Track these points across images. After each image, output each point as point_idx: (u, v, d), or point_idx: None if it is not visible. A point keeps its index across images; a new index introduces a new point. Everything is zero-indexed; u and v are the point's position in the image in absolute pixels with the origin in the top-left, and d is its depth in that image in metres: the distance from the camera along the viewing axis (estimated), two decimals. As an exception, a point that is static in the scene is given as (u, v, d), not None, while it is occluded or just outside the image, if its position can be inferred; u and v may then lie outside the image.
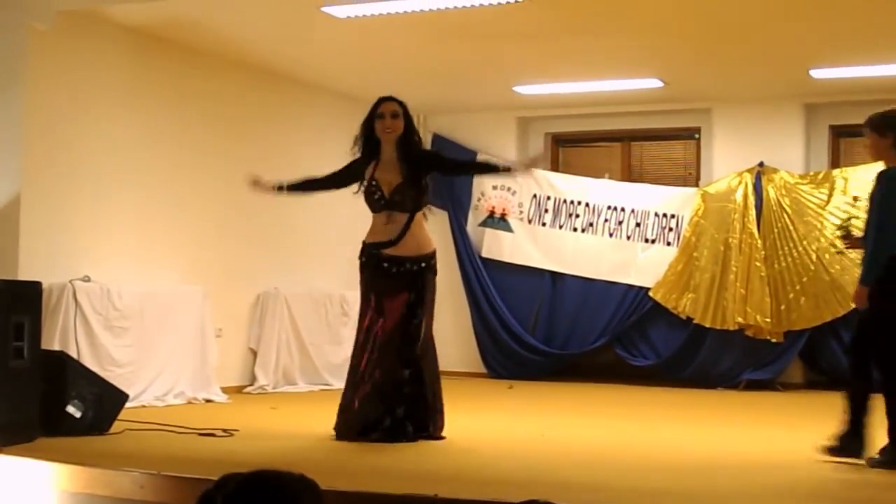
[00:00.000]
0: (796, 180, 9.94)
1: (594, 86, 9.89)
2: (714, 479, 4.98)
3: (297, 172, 9.58)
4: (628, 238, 10.46)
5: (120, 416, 6.20)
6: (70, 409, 5.92)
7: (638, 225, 10.44)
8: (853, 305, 5.75)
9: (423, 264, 6.03)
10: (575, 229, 10.66)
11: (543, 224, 10.78)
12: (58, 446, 5.40)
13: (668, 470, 5.22)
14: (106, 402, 6.11)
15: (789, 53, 8.64)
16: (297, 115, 9.83)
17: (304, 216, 9.49)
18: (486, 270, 10.92)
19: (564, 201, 10.72)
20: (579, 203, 10.66)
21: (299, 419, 7.21)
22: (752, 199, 9.96)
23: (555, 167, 11.27)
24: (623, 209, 10.49)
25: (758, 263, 9.86)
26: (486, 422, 7.27)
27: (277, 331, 9.15)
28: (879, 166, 5.56)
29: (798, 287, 9.76)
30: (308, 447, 5.82)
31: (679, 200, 10.34)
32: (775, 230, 9.90)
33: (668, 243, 10.31)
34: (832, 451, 5.36)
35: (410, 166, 6.04)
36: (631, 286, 10.41)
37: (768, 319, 9.78)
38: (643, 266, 10.36)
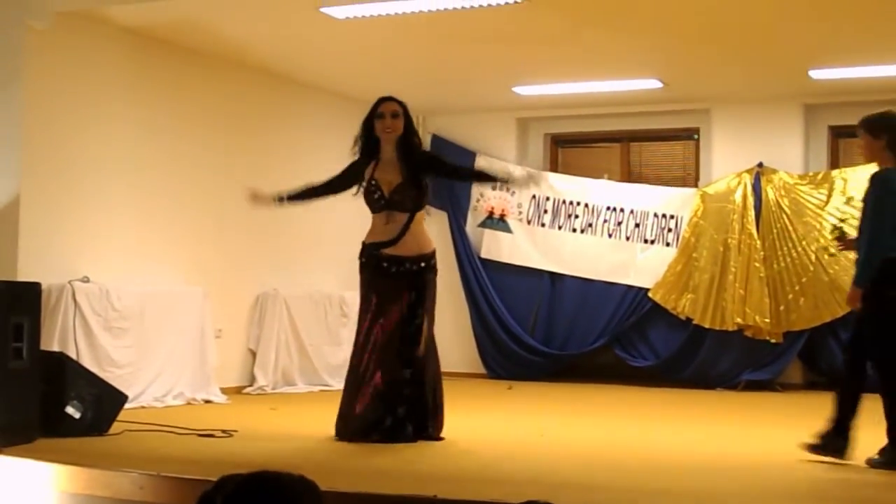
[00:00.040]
0: (795, 181, 9.94)
1: (593, 86, 9.89)
2: (713, 480, 4.97)
3: (296, 173, 9.61)
4: (627, 239, 10.47)
5: (119, 417, 6.19)
6: (69, 409, 5.91)
7: (637, 225, 10.44)
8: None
9: (423, 264, 6.02)
10: (574, 230, 10.66)
11: (542, 225, 10.79)
12: (57, 447, 5.40)
13: (668, 470, 5.22)
14: (105, 402, 6.11)
15: (788, 54, 8.64)
16: (297, 115, 9.83)
17: (304, 217, 9.46)
18: (485, 271, 10.92)
19: (563, 202, 10.72)
20: (578, 204, 10.66)
21: (299, 420, 7.21)
22: (751, 200, 9.97)
23: (554, 168, 11.27)
24: (622, 210, 10.49)
25: (757, 264, 9.86)
26: (486, 422, 7.27)
27: (277, 332, 9.15)
28: (875, 167, 5.58)
29: (797, 287, 9.76)
30: (308, 448, 5.81)
31: (678, 201, 10.35)
32: (774, 231, 9.90)
33: (668, 244, 10.31)
34: (814, 448, 5.37)
35: (410, 166, 6.03)
36: (630, 287, 10.41)
37: (767, 320, 9.78)
38: (642, 267, 10.37)
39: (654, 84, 9.69)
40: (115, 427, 6.11)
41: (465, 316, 10.88)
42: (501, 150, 11.06)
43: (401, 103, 6.10)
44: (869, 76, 9.08)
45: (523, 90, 10.09)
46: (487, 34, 8.09)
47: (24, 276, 6.41)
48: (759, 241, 9.89)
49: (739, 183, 10.05)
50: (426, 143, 10.07)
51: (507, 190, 10.85)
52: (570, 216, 10.68)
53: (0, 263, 6.33)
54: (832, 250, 9.09)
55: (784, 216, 9.87)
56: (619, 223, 10.49)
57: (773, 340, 9.84)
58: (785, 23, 7.72)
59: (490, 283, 10.88)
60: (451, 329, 10.47)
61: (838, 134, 10.24)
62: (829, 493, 4.76)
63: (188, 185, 8.52)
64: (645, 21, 7.72)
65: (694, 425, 7.46)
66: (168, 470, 4.61)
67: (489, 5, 7.17)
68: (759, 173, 10.02)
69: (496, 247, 10.92)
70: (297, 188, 6.30)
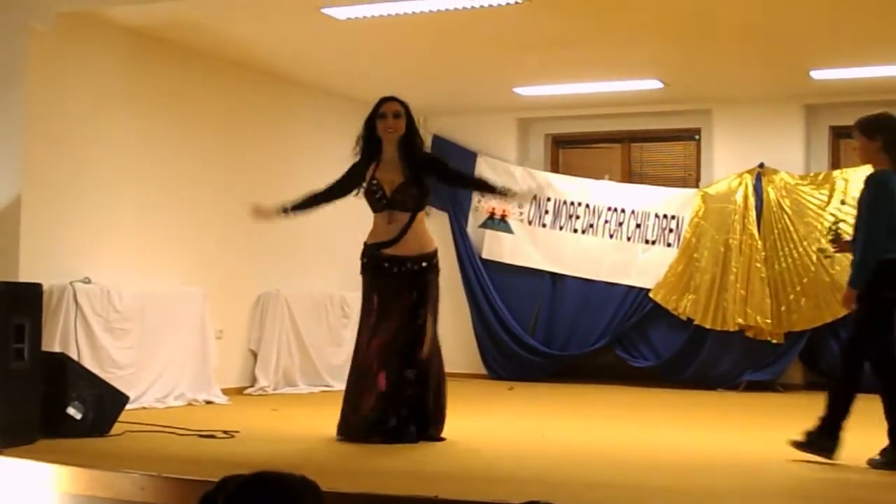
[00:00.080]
0: (796, 181, 9.94)
1: (594, 87, 9.89)
2: (714, 479, 4.98)
3: (297, 173, 9.65)
4: (628, 239, 10.46)
5: (120, 418, 6.19)
6: (70, 410, 5.91)
7: (638, 226, 10.44)
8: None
9: (425, 263, 6.01)
10: (575, 230, 10.66)
11: (544, 225, 10.78)
12: (58, 448, 5.40)
13: (669, 470, 5.22)
14: (106, 403, 6.11)
15: (789, 54, 8.64)
16: (297, 116, 9.83)
17: (305, 217, 9.45)
18: (486, 272, 10.92)
19: (565, 202, 10.72)
20: (579, 204, 10.66)
21: (300, 420, 7.21)
22: (752, 201, 9.97)
23: (555, 168, 11.27)
24: (623, 210, 10.49)
25: (758, 264, 9.86)
26: (487, 423, 7.27)
27: (278, 332, 9.15)
28: (870, 169, 5.59)
29: (798, 288, 9.76)
30: (309, 448, 5.81)
31: (679, 201, 10.35)
32: (775, 231, 9.90)
33: (669, 244, 10.31)
34: (801, 445, 5.38)
35: (412, 166, 6.03)
36: (631, 287, 10.41)
37: (768, 320, 9.78)
38: (643, 267, 10.36)
39: (655, 84, 9.69)
40: (117, 428, 6.11)
41: (466, 316, 10.88)
42: (502, 151, 11.06)
43: (403, 103, 6.10)
44: (870, 76, 9.08)
45: (524, 91, 10.09)
46: (488, 35, 8.09)
47: (25, 276, 6.41)
48: (760, 242, 9.89)
49: (740, 183, 10.05)
50: (427, 143, 10.07)
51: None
52: (571, 217, 10.68)
53: (1, 264, 6.34)
54: (828, 252, 9.11)
55: (785, 217, 9.87)
56: (621, 224, 10.49)
57: (774, 341, 9.84)
58: (786, 23, 7.72)
59: (491, 284, 10.88)
60: (452, 330, 10.44)
61: (839, 134, 10.24)
62: (829, 493, 4.76)
63: (189, 185, 8.52)
64: (646, 22, 7.72)
65: (695, 426, 7.46)
66: (169, 471, 4.61)
67: (490, 6, 7.17)
68: (761, 174, 10.02)
69: (497, 247, 10.92)
70: (300, 197, 6.26)
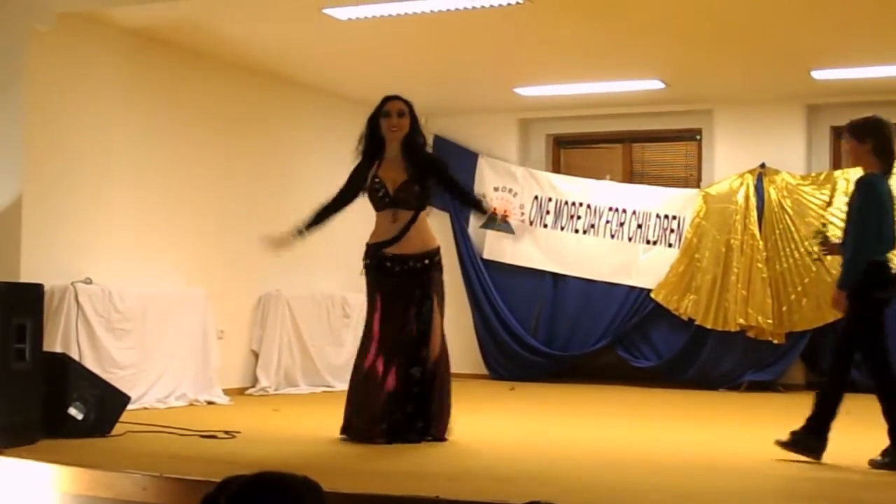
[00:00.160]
0: (798, 181, 9.94)
1: (595, 87, 9.89)
2: (715, 480, 4.97)
3: (297, 174, 9.66)
4: (630, 239, 10.46)
5: (122, 418, 6.19)
6: (72, 411, 5.91)
7: (639, 226, 10.44)
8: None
9: (427, 261, 6.01)
10: (576, 231, 10.66)
11: (545, 225, 10.78)
12: (59, 448, 5.40)
13: (670, 470, 5.22)
14: (108, 404, 6.11)
15: (790, 54, 8.64)
16: (298, 116, 9.83)
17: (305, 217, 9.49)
18: (487, 272, 10.92)
19: (566, 203, 10.72)
20: (581, 204, 10.66)
21: (301, 421, 7.21)
22: (753, 201, 9.97)
23: (556, 169, 11.27)
24: (624, 210, 10.49)
25: (759, 265, 9.86)
26: (488, 423, 7.27)
27: (279, 332, 9.15)
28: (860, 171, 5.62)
29: (799, 288, 9.76)
30: (310, 449, 5.81)
31: (680, 202, 10.35)
32: (777, 231, 9.90)
33: (670, 245, 10.31)
34: (787, 445, 5.39)
35: (415, 165, 6.03)
36: (632, 287, 10.41)
37: (770, 321, 9.78)
38: (644, 267, 10.36)
39: (656, 85, 9.69)
40: (118, 428, 6.11)
41: (467, 317, 10.88)
42: (503, 151, 11.06)
43: (407, 102, 6.11)
44: (871, 76, 9.08)
45: (525, 91, 10.09)
46: (489, 35, 8.09)
47: (26, 277, 6.41)
48: (761, 242, 9.89)
49: (742, 184, 10.05)
50: (429, 143, 10.06)
51: (510, 191, 10.86)
52: (572, 217, 10.68)
53: (3, 265, 6.33)
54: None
55: (786, 217, 9.87)
56: (622, 224, 10.49)
57: (775, 341, 9.84)
58: (787, 23, 7.72)
59: (492, 284, 10.88)
60: (454, 330, 10.34)
61: (841, 135, 10.21)
62: (831, 493, 4.76)
63: (190, 185, 8.53)
64: (647, 22, 7.72)
65: (696, 426, 7.46)
66: (170, 471, 4.61)
67: (491, 6, 7.17)
68: (762, 174, 10.02)
69: (498, 248, 10.92)
70: (310, 215, 6.20)
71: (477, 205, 6.54)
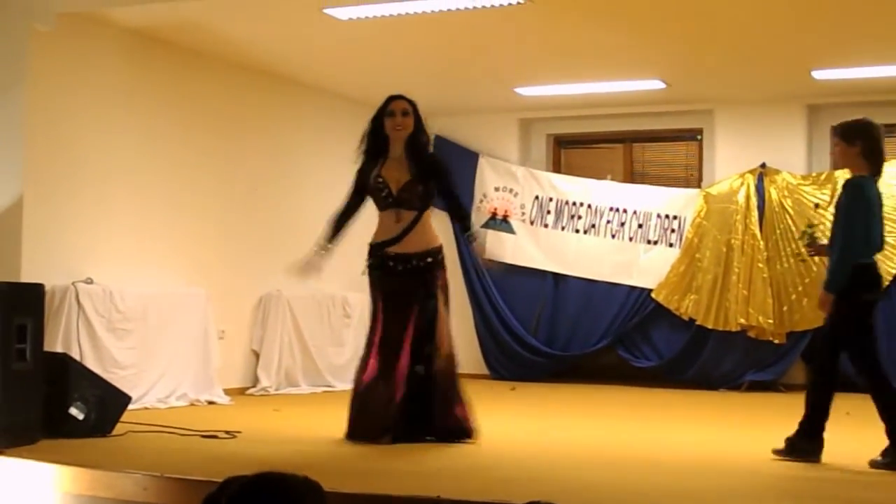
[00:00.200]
0: (798, 181, 9.94)
1: (596, 87, 9.89)
2: (716, 480, 4.98)
3: (298, 175, 9.65)
4: (630, 239, 10.46)
5: (122, 418, 6.19)
6: (73, 411, 5.92)
7: (640, 226, 10.44)
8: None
9: (430, 259, 6.00)
10: (577, 231, 10.66)
11: (546, 225, 10.78)
12: (60, 448, 5.40)
13: (670, 471, 5.22)
14: (108, 404, 6.11)
15: (791, 54, 8.63)
16: (299, 117, 9.83)
17: (307, 218, 9.47)
18: (488, 272, 10.92)
19: (567, 203, 10.72)
20: (581, 204, 10.66)
21: (302, 421, 7.21)
22: (754, 201, 9.97)
23: (557, 169, 11.27)
24: (625, 210, 10.49)
25: (760, 264, 9.86)
26: (489, 423, 7.23)
27: (280, 332, 9.15)
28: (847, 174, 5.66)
29: (800, 288, 9.76)
30: (311, 449, 5.81)
31: (681, 202, 10.35)
32: (777, 231, 9.90)
33: (671, 244, 10.31)
34: (783, 453, 5.40)
35: (418, 165, 6.01)
36: (633, 287, 10.41)
37: (770, 321, 9.78)
38: (645, 267, 10.36)
39: (656, 85, 9.69)
40: (119, 428, 6.11)
41: (468, 317, 10.87)
42: (504, 151, 11.06)
43: (411, 102, 6.10)
44: (872, 76, 9.08)
45: (526, 91, 10.09)
46: (490, 35, 8.09)
47: (27, 277, 6.41)
48: (762, 242, 9.89)
49: (742, 183, 10.05)
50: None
51: (510, 191, 10.86)
52: (573, 217, 10.68)
53: (3, 265, 6.33)
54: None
55: (787, 217, 9.87)
56: (623, 224, 10.49)
57: (776, 341, 9.84)
58: (787, 23, 7.72)
59: (493, 284, 10.87)
60: (455, 330, 10.42)
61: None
62: (831, 493, 4.76)
63: (191, 186, 8.53)
64: (647, 22, 7.72)
65: (697, 426, 7.46)
66: (171, 471, 4.61)
67: (492, 6, 7.17)
68: (763, 174, 10.02)
69: (499, 248, 10.91)
70: (327, 229, 6.18)
71: (462, 220, 6.33)
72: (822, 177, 9.88)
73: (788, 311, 9.80)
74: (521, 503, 2.52)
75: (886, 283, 9.22)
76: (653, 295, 10.27)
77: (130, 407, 6.42)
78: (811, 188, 9.86)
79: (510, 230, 10.89)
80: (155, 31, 8.03)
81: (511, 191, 10.87)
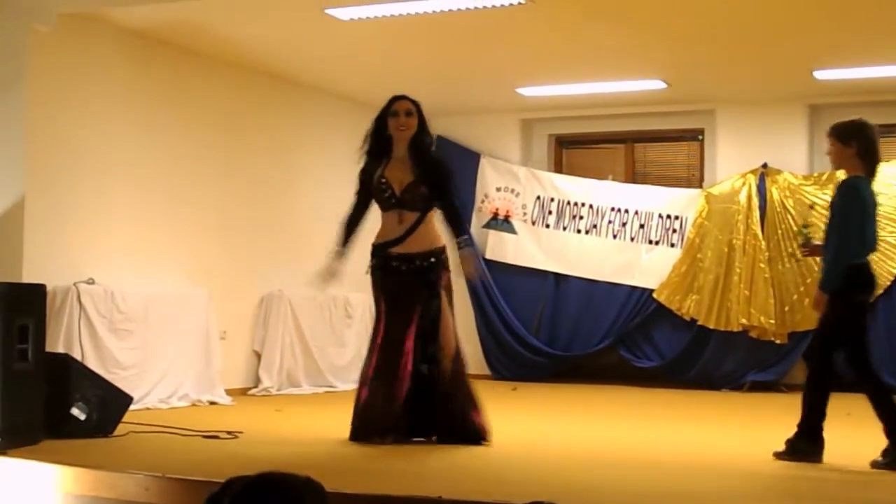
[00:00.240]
0: (800, 181, 9.94)
1: (597, 87, 9.89)
2: (717, 480, 4.97)
3: (298, 175, 9.65)
4: (632, 239, 10.46)
5: (124, 419, 6.19)
6: (74, 411, 5.92)
7: (642, 226, 10.44)
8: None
9: (433, 259, 5.98)
10: (578, 231, 10.66)
11: (547, 226, 10.79)
12: (62, 449, 5.40)
13: (672, 471, 5.22)
14: (110, 404, 6.11)
15: (793, 54, 8.63)
16: (299, 117, 9.83)
17: (308, 218, 9.50)
18: (489, 272, 10.91)
19: (568, 203, 10.72)
20: (583, 205, 10.66)
21: (304, 421, 7.21)
22: (755, 201, 9.97)
23: (558, 169, 11.27)
24: (627, 211, 10.49)
25: (762, 265, 9.86)
26: (490, 423, 7.26)
27: (281, 333, 9.15)
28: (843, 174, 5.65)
29: (802, 288, 9.75)
30: (313, 449, 5.81)
31: (683, 202, 10.35)
32: (779, 231, 9.90)
33: (672, 245, 10.31)
34: (784, 455, 5.40)
35: (422, 165, 6.00)
36: (635, 287, 10.41)
37: (772, 321, 9.78)
38: (647, 267, 10.36)
39: (658, 85, 9.69)
40: (120, 429, 6.11)
41: (469, 317, 10.86)
42: (506, 152, 11.06)
43: (415, 102, 6.08)
44: (873, 76, 9.08)
45: (527, 91, 10.09)
46: (491, 35, 8.09)
47: (28, 277, 6.42)
48: (763, 242, 9.90)
49: (744, 184, 10.05)
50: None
51: (512, 191, 10.86)
52: (574, 217, 10.68)
53: (5, 265, 6.34)
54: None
55: (789, 217, 9.87)
56: (624, 224, 10.50)
57: (777, 341, 9.84)
58: (789, 23, 7.72)
59: (494, 285, 10.87)
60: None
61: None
62: (831, 493, 4.76)
63: (192, 186, 8.53)
64: (649, 22, 7.72)
65: (698, 426, 7.46)
66: (173, 471, 4.61)
67: (493, 6, 7.17)
68: (764, 174, 10.02)
69: (501, 248, 10.92)
70: (340, 235, 6.13)
71: (455, 226, 6.14)
72: (824, 177, 9.87)
73: (790, 312, 9.80)
74: (521, 503, 2.51)
75: (887, 283, 9.29)
76: (654, 295, 10.27)
77: (132, 407, 6.42)
78: (813, 188, 9.86)
79: (512, 230, 10.89)
80: (155, 31, 8.03)
81: (513, 191, 10.87)
